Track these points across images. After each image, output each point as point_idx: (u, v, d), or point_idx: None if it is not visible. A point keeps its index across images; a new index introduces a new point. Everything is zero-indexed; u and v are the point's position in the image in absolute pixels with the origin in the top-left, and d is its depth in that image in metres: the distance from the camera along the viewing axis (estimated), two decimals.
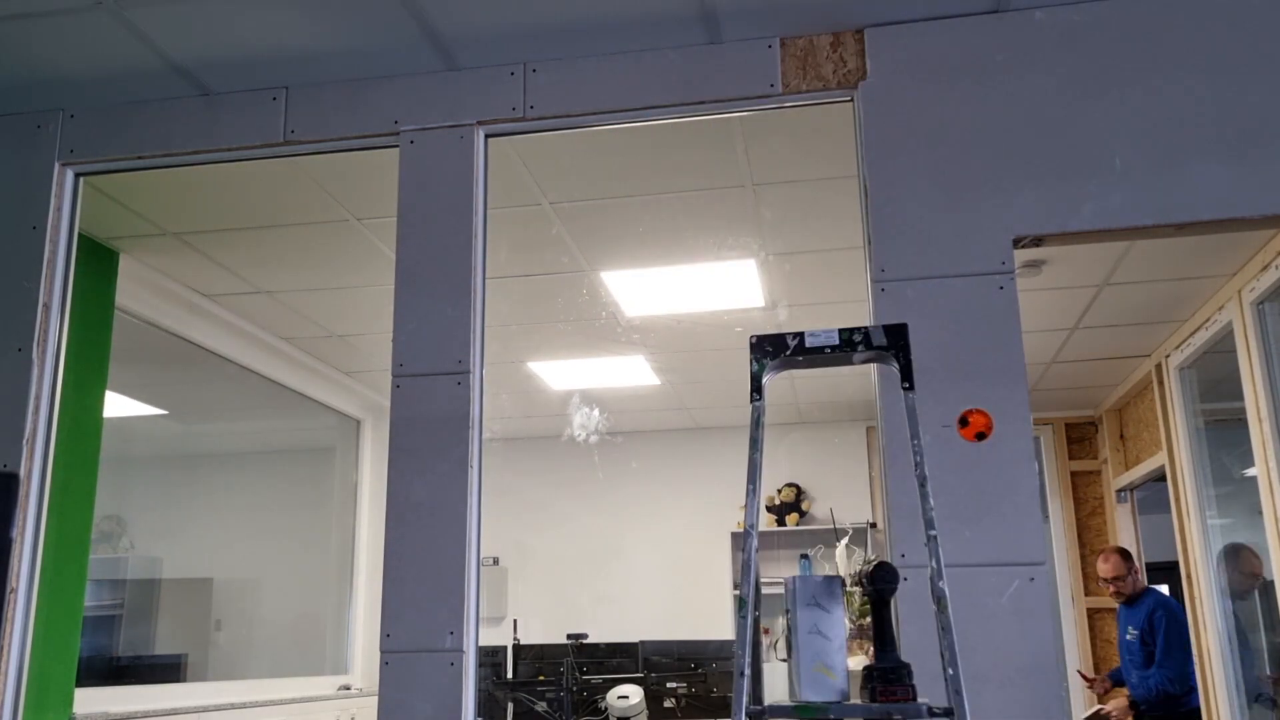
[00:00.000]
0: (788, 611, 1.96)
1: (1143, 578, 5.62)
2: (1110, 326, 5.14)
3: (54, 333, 3.10)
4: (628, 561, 7.22)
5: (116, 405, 4.52)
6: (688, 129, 3.24)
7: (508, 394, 6.33)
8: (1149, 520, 6.78)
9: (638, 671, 5.33)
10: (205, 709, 4.62)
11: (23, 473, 2.96)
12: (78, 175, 3.24)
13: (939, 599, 1.80)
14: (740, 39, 2.93)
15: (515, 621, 6.08)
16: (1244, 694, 5.05)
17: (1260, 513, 4.38)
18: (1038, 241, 2.70)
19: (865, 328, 1.98)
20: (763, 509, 7.16)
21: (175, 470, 5.69)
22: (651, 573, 7.06)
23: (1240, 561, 5.06)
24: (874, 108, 2.81)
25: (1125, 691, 5.35)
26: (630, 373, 6.04)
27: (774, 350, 2.01)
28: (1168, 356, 5.38)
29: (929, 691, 2.41)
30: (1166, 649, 5.09)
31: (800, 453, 7.21)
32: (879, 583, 1.90)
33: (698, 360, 5.78)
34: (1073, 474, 6.98)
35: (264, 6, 2.80)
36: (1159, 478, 5.84)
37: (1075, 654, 6.70)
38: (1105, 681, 5.59)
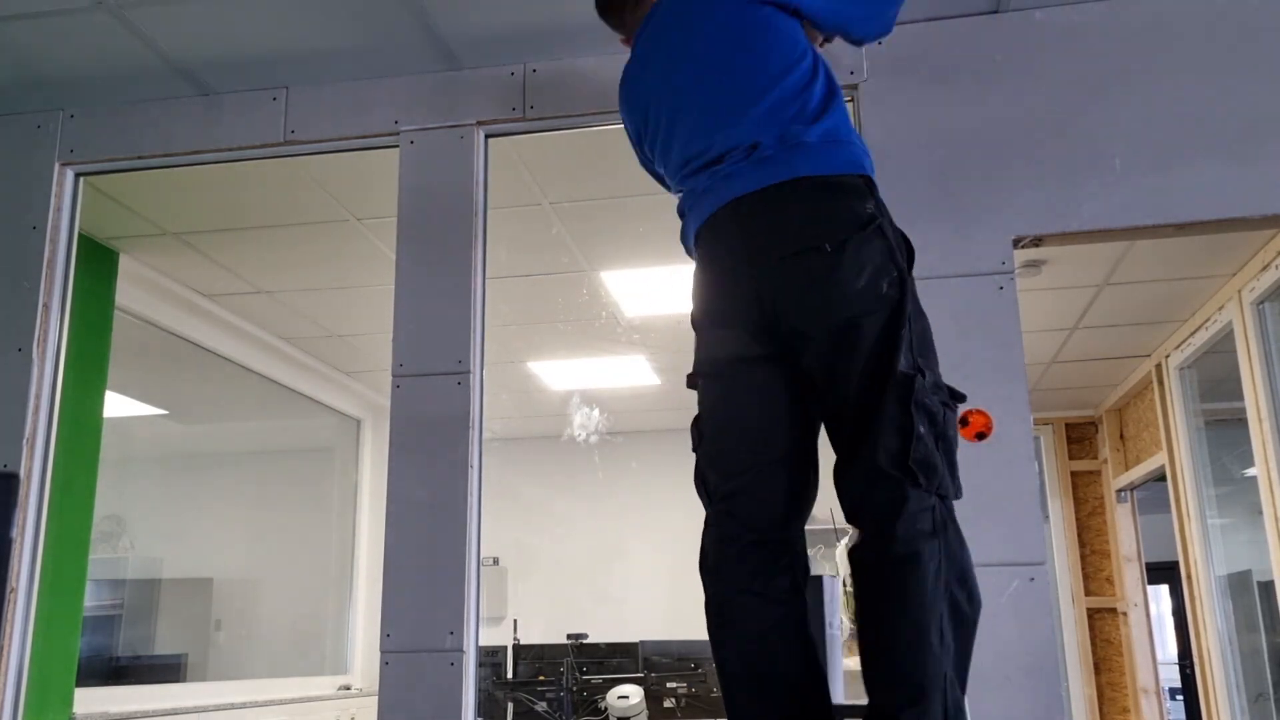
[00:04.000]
0: None
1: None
2: (1110, 326, 5.13)
3: (54, 333, 3.10)
4: (628, 561, 7.21)
5: (116, 405, 4.52)
6: None
7: (508, 394, 6.32)
8: (1149, 520, 6.77)
9: (638, 671, 5.33)
10: (205, 709, 4.62)
11: (23, 473, 2.95)
12: (78, 175, 3.23)
13: None
14: None
15: (515, 621, 6.06)
16: (1244, 694, 5.05)
17: (1260, 513, 4.38)
18: (1038, 241, 2.70)
19: None
20: None
21: (175, 470, 5.68)
22: (651, 573, 7.04)
23: None
24: (874, 108, 2.80)
25: None
26: (630, 373, 6.03)
27: None
28: (1168, 356, 5.38)
29: None
30: None
31: None
32: None
33: None
34: (1073, 474, 6.97)
35: (264, 6, 2.80)
36: (1159, 478, 5.84)
37: (1075, 654, 6.70)
38: None
